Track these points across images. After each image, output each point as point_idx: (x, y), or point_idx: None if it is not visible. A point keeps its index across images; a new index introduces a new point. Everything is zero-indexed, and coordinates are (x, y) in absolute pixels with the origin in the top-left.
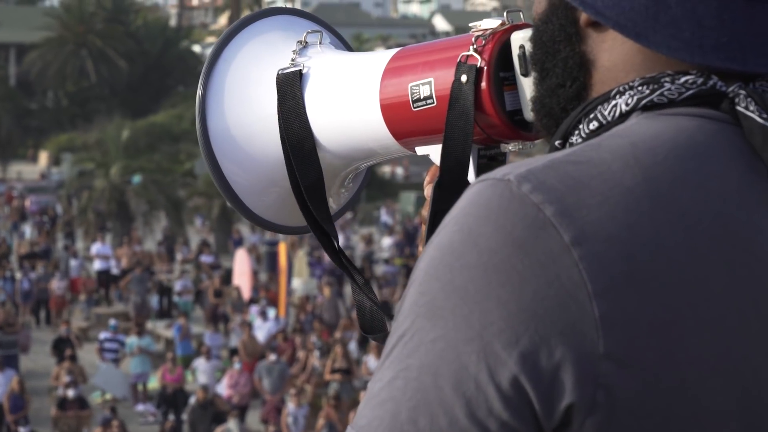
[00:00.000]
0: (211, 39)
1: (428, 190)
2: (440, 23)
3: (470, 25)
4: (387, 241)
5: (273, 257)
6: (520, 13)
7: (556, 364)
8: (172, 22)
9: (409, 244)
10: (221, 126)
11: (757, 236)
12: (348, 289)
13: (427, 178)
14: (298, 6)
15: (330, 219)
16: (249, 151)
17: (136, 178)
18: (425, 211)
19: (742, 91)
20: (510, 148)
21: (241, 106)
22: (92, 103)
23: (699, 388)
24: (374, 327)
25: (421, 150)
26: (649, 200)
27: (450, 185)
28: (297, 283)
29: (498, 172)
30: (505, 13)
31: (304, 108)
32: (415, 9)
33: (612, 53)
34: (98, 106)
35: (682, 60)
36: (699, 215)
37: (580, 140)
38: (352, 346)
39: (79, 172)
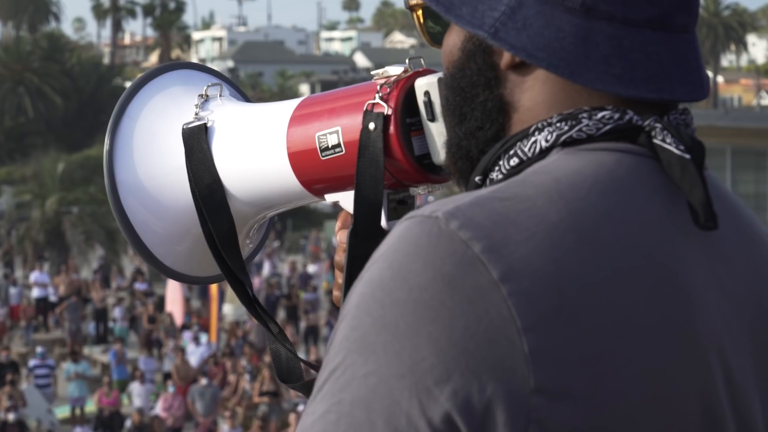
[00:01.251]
0: None
1: (341, 236)
2: (361, 60)
3: (372, 73)
4: (313, 268)
5: (202, 286)
6: (421, 60)
7: (488, 399)
8: (106, 60)
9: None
10: (130, 179)
11: (680, 267)
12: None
13: (338, 224)
14: (225, 43)
15: (244, 268)
16: (159, 204)
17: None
18: (339, 257)
19: (658, 124)
20: (419, 191)
21: (149, 159)
22: (29, 137)
23: (631, 418)
24: (291, 376)
25: (330, 197)
26: (575, 235)
27: (364, 231)
28: (228, 308)
29: (426, 210)
30: (407, 60)
31: (212, 160)
32: (336, 46)
33: (533, 93)
34: (35, 141)
35: (615, 94)
36: (623, 248)
37: (500, 176)
38: None
39: (17, 203)
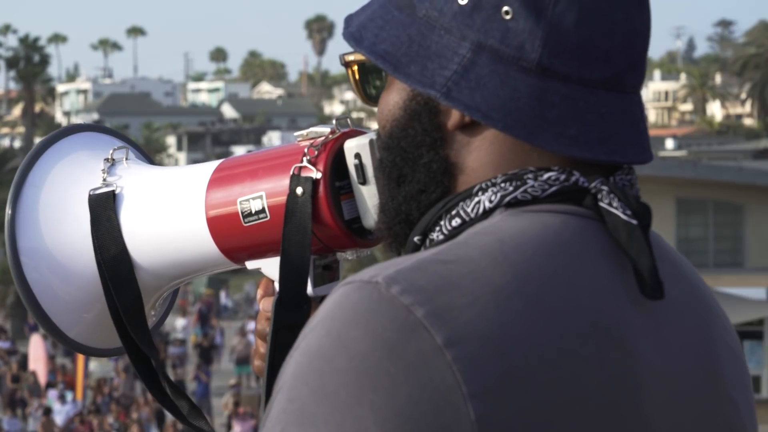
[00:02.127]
0: (5, 129)
1: (264, 304)
2: (228, 111)
3: (295, 134)
4: (180, 322)
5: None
6: (348, 120)
7: None
8: None
9: (202, 325)
10: (34, 247)
11: (627, 333)
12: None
13: (260, 291)
14: (90, 96)
15: (151, 342)
16: (65, 274)
17: None
18: (261, 326)
19: (605, 187)
20: (346, 256)
21: (56, 226)
22: None
23: None
24: None
25: (251, 264)
26: (520, 298)
27: (290, 300)
28: (94, 365)
29: (365, 274)
30: (334, 121)
31: (119, 230)
32: (204, 97)
33: (479, 153)
34: None
35: (571, 156)
36: (569, 313)
37: (441, 237)
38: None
39: None
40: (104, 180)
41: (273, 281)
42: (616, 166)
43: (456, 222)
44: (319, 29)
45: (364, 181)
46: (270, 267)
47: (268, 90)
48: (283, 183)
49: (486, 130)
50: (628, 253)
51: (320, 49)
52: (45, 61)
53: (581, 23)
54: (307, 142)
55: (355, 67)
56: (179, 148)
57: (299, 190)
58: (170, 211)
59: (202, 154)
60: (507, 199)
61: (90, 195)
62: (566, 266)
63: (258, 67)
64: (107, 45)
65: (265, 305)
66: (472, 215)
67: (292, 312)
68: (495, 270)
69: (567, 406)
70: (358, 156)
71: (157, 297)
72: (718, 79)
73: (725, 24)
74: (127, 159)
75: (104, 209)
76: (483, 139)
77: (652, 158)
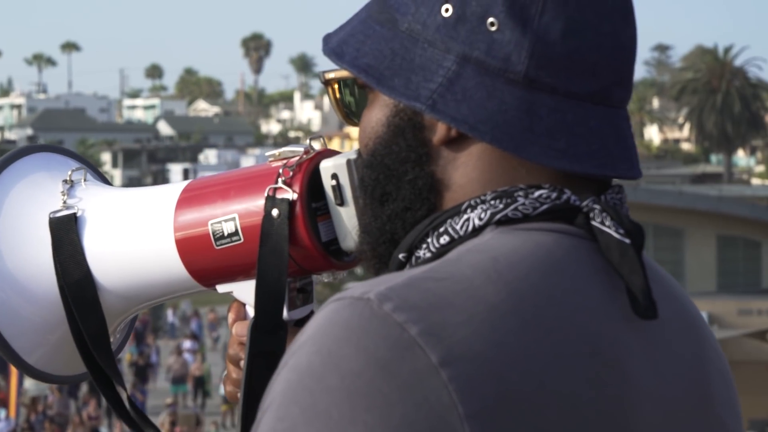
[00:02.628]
0: None
1: (237, 328)
2: (164, 128)
3: (267, 154)
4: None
5: (3, 360)
6: (323, 139)
7: None
8: None
9: (137, 343)
10: None
11: (623, 354)
12: (81, 388)
13: (232, 315)
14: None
15: (116, 367)
16: (26, 298)
17: None
18: (233, 351)
19: (597, 206)
20: (323, 278)
21: (15, 251)
22: None
23: None
24: None
25: (222, 288)
26: (516, 317)
27: (266, 325)
28: (29, 383)
29: (355, 291)
30: (307, 140)
31: (83, 253)
32: (139, 114)
33: (466, 169)
34: None
35: (560, 169)
36: (565, 333)
37: (428, 254)
38: None
39: None
40: (64, 202)
41: (244, 305)
42: (606, 184)
43: (444, 240)
44: (255, 47)
45: (342, 202)
46: (242, 290)
47: (204, 108)
48: (256, 204)
49: (472, 145)
50: (620, 272)
51: (257, 68)
52: None
53: (568, 35)
54: (280, 163)
55: (336, 86)
56: (114, 164)
57: (275, 212)
58: (136, 233)
59: (138, 171)
60: (497, 216)
61: (51, 218)
62: (560, 286)
63: (194, 85)
64: (41, 60)
65: (238, 330)
66: (461, 233)
67: (268, 337)
68: (489, 288)
69: (563, 427)
70: (335, 176)
71: (120, 320)
72: (655, 103)
73: (662, 48)
74: (85, 180)
75: (66, 232)
76: (469, 155)
77: (641, 174)
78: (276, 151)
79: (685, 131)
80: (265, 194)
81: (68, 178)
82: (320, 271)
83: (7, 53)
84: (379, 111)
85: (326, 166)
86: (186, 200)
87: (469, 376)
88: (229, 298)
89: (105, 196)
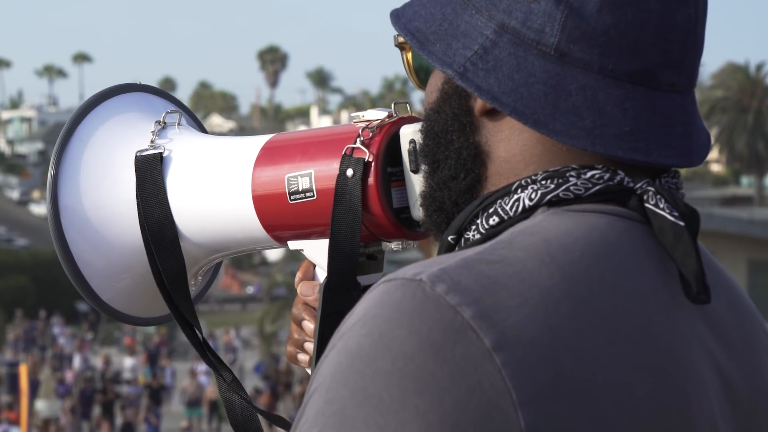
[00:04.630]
0: None
1: (302, 288)
2: None
3: (352, 115)
4: (128, 362)
5: (14, 378)
6: (407, 106)
7: None
8: None
9: (151, 365)
10: (75, 208)
11: (676, 340)
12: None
13: (299, 274)
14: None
15: (193, 311)
16: (104, 235)
17: None
18: (297, 310)
19: (651, 188)
20: (392, 246)
21: (98, 187)
22: None
23: None
24: (249, 428)
25: (293, 244)
26: (569, 301)
27: (339, 285)
28: (41, 404)
29: (407, 272)
30: (392, 105)
31: (165, 194)
32: None
33: (509, 143)
34: None
35: (582, 149)
36: (619, 318)
37: (478, 235)
38: None
39: None
40: (152, 142)
41: (313, 265)
42: (661, 168)
43: (494, 220)
44: (272, 60)
45: (416, 169)
46: (312, 249)
47: (218, 122)
48: (333, 163)
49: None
50: (673, 255)
51: (273, 81)
52: None
53: (605, 9)
54: (363, 124)
55: (409, 51)
56: None
57: (349, 172)
58: (216, 183)
59: None
60: (548, 197)
61: (137, 156)
62: (614, 270)
63: (209, 99)
64: (52, 72)
65: (303, 289)
66: (511, 213)
67: (341, 298)
68: (542, 271)
69: (617, 415)
70: (413, 142)
71: (197, 268)
72: None
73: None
74: (179, 124)
75: (150, 171)
76: (511, 128)
77: (693, 164)
78: (361, 114)
79: (715, 152)
80: (342, 153)
81: (161, 120)
82: (390, 238)
83: (17, 64)
84: (435, 77)
85: (405, 132)
86: (266, 155)
87: (522, 361)
88: (244, 322)
89: (193, 142)
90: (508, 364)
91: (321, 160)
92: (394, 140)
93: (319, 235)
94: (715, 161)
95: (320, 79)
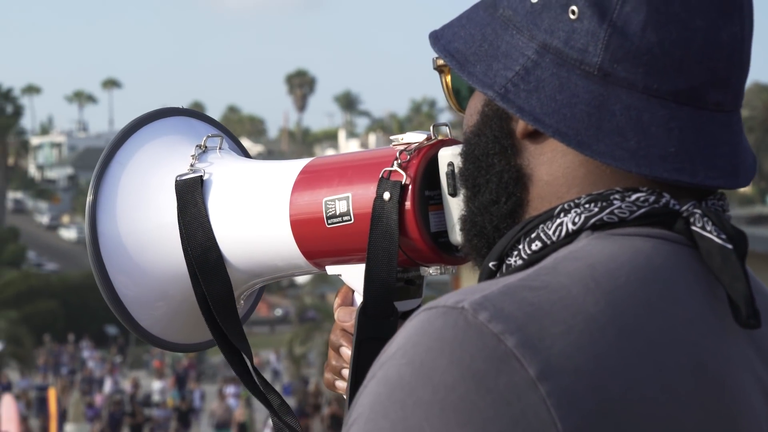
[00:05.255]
0: None
1: (340, 313)
2: None
3: (391, 138)
4: (157, 385)
5: (42, 402)
6: (447, 128)
7: None
8: None
9: (180, 387)
10: (113, 233)
11: (725, 367)
12: None
13: (338, 300)
14: (65, 149)
15: (243, 335)
16: (139, 262)
17: None
18: (335, 337)
19: (698, 210)
20: (431, 272)
21: (137, 212)
22: None
23: None
24: None
25: (332, 269)
26: (615, 328)
27: (376, 311)
28: (70, 428)
29: (448, 299)
30: (431, 127)
31: (207, 217)
32: None
33: (551, 166)
34: None
35: (627, 170)
36: (667, 345)
37: (520, 261)
38: None
39: None
40: (192, 166)
41: (352, 290)
42: (707, 190)
43: (536, 245)
44: (300, 84)
45: (454, 192)
46: (350, 274)
47: (247, 146)
48: (370, 187)
49: (555, 140)
50: (721, 279)
51: (301, 105)
52: (18, 112)
53: (649, 27)
54: (402, 147)
55: (448, 73)
56: None
57: (386, 195)
58: (255, 207)
59: None
60: (592, 221)
61: (177, 180)
62: (661, 295)
63: (237, 123)
64: (82, 97)
65: (341, 315)
66: (554, 238)
67: (377, 324)
68: (587, 298)
69: None
70: (451, 165)
71: (240, 291)
72: None
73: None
74: (220, 148)
75: (191, 194)
76: (554, 150)
77: (740, 185)
78: (400, 136)
79: None
80: (380, 176)
81: (202, 144)
82: (428, 263)
83: (47, 91)
84: (476, 100)
85: (444, 154)
86: (305, 179)
87: (568, 390)
88: (273, 345)
89: (233, 166)
90: (553, 393)
91: (359, 184)
92: (432, 163)
93: (358, 260)
94: None
95: (348, 102)
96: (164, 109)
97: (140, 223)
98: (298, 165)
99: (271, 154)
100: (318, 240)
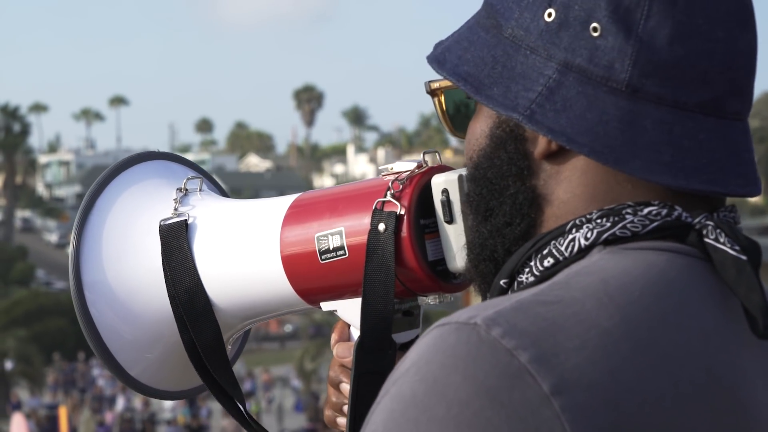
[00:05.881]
0: None
1: (338, 349)
2: None
3: (380, 168)
4: (168, 402)
5: (53, 421)
6: (437, 154)
7: None
8: None
9: (191, 405)
10: (98, 280)
11: (740, 381)
12: None
13: (335, 336)
14: (72, 167)
15: (235, 381)
16: (132, 307)
17: None
18: (333, 373)
19: (710, 222)
20: (429, 301)
21: (122, 259)
22: None
23: None
24: None
25: (327, 305)
26: (629, 343)
27: (373, 345)
28: None
29: (461, 315)
30: (422, 155)
31: (193, 262)
32: None
33: (570, 184)
34: None
35: (665, 185)
36: (681, 359)
37: (532, 278)
38: None
39: None
40: (176, 209)
41: (348, 325)
42: (717, 202)
43: (548, 262)
44: (308, 99)
45: (450, 219)
46: (347, 309)
47: (255, 162)
48: (364, 219)
49: (576, 159)
50: (736, 290)
51: (309, 120)
52: (26, 131)
53: (675, 41)
54: (392, 176)
55: (441, 96)
56: None
57: (381, 227)
58: (243, 247)
59: None
60: (605, 236)
61: (161, 225)
62: (674, 309)
63: (245, 139)
64: (89, 115)
65: (340, 351)
66: (567, 254)
67: (375, 358)
68: (601, 312)
69: None
70: (445, 192)
71: (229, 335)
72: None
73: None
74: (200, 190)
75: (176, 239)
76: (573, 169)
77: (760, 191)
78: (390, 165)
79: None
80: (373, 208)
81: (183, 187)
82: (426, 293)
83: (55, 108)
84: (483, 122)
85: (437, 182)
86: (294, 215)
87: (582, 405)
88: (283, 361)
89: (216, 207)
90: (568, 408)
91: (351, 216)
92: (425, 191)
93: (352, 294)
94: None
95: (356, 117)
96: (140, 153)
97: (127, 269)
98: (286, 201)
99: (280, 170)
100: (312, 276)
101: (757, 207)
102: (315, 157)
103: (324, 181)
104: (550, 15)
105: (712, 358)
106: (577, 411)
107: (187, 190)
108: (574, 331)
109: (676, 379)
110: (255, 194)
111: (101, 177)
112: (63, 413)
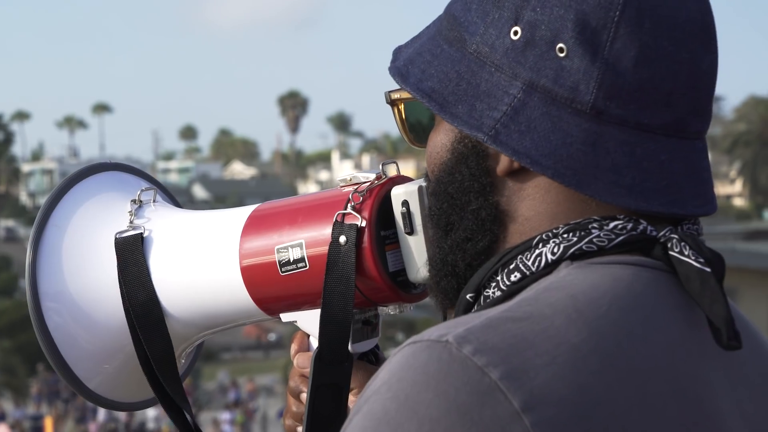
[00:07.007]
0: None
1: (299, 360)
2: (199, 192)
3: (338, 179)
4: (152, 412)
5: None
6: (395, 165)
7: None
8: None
9: None
10: (55, 291)
11: (705, 392)
12: None
13: (294, 347)
14: (56, 176)
15: (183, 394)
16: (92, 318)
17: None
18: (293, 383)
19: (675, 236)
20: (389, 311)
21: (79, 272)
22: None
23: None
24: None
25: (286, 317)
26: (598, 357)
27: (331, 356)
28: None
29: (432, 333)
30: (380, 166)
31: (148, 275)
32: (174, 177)
33: (533, 202)
34: None
35: (625, 207)
36: (648, 372)
37: (498, 293)
38: None
39: None
40: (131, 222)
41: (308, 336)
42: (680, 216)
43: (515, 276)
44: (292, 105)
45: (411, 230)
46: (306, 320)
47: (240, 169)
48: (324, 231)
49: (538, 177)
50: (700, 302)
51: (294, 127)
52: (9, 139)
53: (641, 63)
54: (351, 188)
55: (402, 106)
56: None
57: (342, 239)
58: (201, 258)
59: None
60: (571, 250)
61: (117, 238)
62: (641, 322)
63: (230, 146)
64: (73, 123)
65: (300, 361)
66: (534, 269)
67: (332, 369)
68: (570, 328)
69: None
70: (405, 203)
71: (185, 346)
72: None
73: (714, 99)
74: (154, 201)
75: (132, 253)
76: (536, 187)
77: (715, 209)
78: (348, 176)
79: (738, 186)
80: (333, 220)
81: (137, 198)
82: (386, 303)
83: (37, 117)
84: (444, 136)
85: (397, 193)
86: (253, 225)
87: (552, 420)
88: (267, 370)
89: (173, 218)
90: (538, 424)
91: (311, 228)
92: (385, 202)
93: (311, 305)
94: (738, 195)
95: (341, 123)
96: (93, 165)
97: (84, 282)
98: (245, 211)
99: (265, 176)
100: (271, 287)
101: (743, 212)
102: (300, 163)
103: (309, 188)
104: (516, 33)
105: (678, 371)
106: (547, 426)
107: (141, 201)
108: (543, 347)
109: (643, 392)
110: (240, 202)
111: (54, 191)
112: (49, 423)
